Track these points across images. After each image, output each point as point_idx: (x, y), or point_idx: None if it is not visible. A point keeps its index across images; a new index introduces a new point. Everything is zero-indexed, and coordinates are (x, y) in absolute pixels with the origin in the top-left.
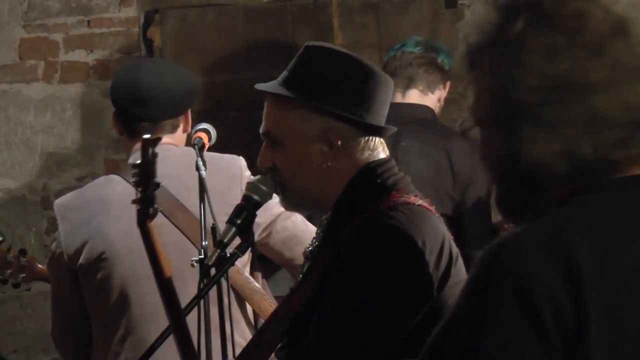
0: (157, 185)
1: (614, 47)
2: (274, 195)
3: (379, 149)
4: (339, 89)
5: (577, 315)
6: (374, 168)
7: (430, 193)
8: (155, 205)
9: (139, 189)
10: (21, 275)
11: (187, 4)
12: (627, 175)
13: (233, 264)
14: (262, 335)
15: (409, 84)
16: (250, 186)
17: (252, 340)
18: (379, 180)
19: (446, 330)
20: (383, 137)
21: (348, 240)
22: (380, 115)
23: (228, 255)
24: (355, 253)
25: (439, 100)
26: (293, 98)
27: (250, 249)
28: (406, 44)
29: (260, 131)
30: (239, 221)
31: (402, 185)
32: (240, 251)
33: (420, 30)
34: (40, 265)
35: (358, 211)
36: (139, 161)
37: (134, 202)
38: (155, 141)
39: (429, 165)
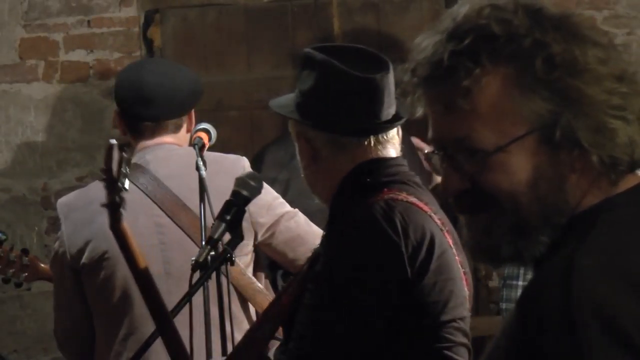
0: (122, 189)
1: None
2: (277, 195)
3: (373, 149)
4: (319, 101)
5: None
6: (365, 166)
7: None
8: (122, 209)
9: (107, 193)
10: (23, 275)
11: (187, 3)
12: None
13: (228, 261)
14: (254, 333)
15: None
16: (239, 182)
17: (244, 337)
18: (368, 179)
19: None
20: (378, 135)
21: (329, 238)
22: (373, 116)
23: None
24: (329, 245)
25: None
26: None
27: (253, 249)
28: None
29: None
30: (228, 217)
31: (396, 184)
32: (230, 247)
33: (421, 30)
34: (42, 265)
35: (346, 208)
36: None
37: (102, 206)
38: (122, 146)
39: None
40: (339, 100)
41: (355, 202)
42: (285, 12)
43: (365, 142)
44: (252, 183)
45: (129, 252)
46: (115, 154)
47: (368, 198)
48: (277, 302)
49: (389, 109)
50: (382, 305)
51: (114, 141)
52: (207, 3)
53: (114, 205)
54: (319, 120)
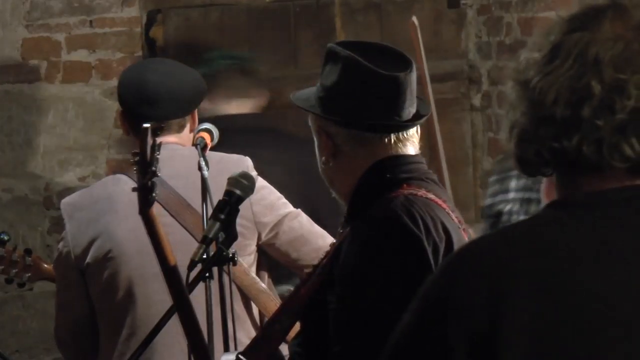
0: (155, 173)
1: None
2: (280, 195)
3: (381, 140)
4: (343, 97)
5: (493, 350)
6: (385, 163)
7: None
8: (154, 194)
9: (139, 177)
10: (27, 275)
11: (189, 3)
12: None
13: (230, 261)
14: (271, 326)
15: None
16: (232, 181)
17: (261, 330)
18: (388, 175)
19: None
20: (399, 133)
21: (349, 233)
22: (392, 113)
23: (224, 253)
24: (350, 241)
25: None
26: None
27: (256, 249)
28: None
29: None
30: (222, 216)
31: (415, 181)
32: (224, 246)
33: (423, 30)
34: (45, 265)
35: (366, 203)
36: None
37: (134, 189)
38: (155, 130)
39: None
40: (363, 97)
41: (375, 197)
42: (287, 12)
43: (387, 140)
44: (245, 182)
45: (156, 238)
46: (149, 138)
47: (388, 194)
48: (295, 295)
49: (410, 108)
50: (402, 296)
51: (147, 125)
52: (209, 3)
53: (146, 190)
54: (342, 115)
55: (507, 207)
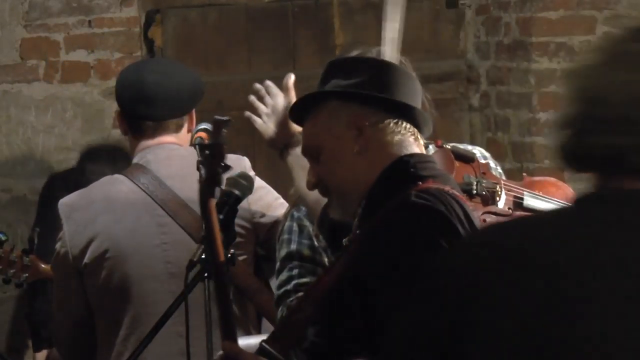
0: (228, 167)
1: None
2: (278, 196)
3: (409, 137)
4: (360, 77)
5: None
6: (408, 159)
7: None
8: (219, 186)
9: (204, 167)
10: (24, 275)
11: (188, 3)
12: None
13: (229, 261)
14: (292, 315)
15: None
16: (231, 181)
17: (284, 319)
18: (412, 170)
19: None
20: (412, 119)
21: (378, 221)
22: (405, 98)
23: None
24: (383, 231)
25: None
26: (314, 94)
27: (254, 250)
28: None
29: (301, 152)
30: (221, 216)
31: (439, 178)
32: (224, 246)
33: (421, 30)
34: (43, 265)
35: (390, 196)
36: (206, 142)
37: (199, 182)
38: (227, 122)
39: None
40: (403, 86)
41: (399, 190)
42: (285, 12)
43: (412, 138)
44: (244, 182)
45: (211, 230)
46: (220, 130)
47: (415, 185)
48: (318, 283)
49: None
50: None
51: (219, 117)
52: (207, 3)
53: (214, 180)
54: (389, 101)
55: None
